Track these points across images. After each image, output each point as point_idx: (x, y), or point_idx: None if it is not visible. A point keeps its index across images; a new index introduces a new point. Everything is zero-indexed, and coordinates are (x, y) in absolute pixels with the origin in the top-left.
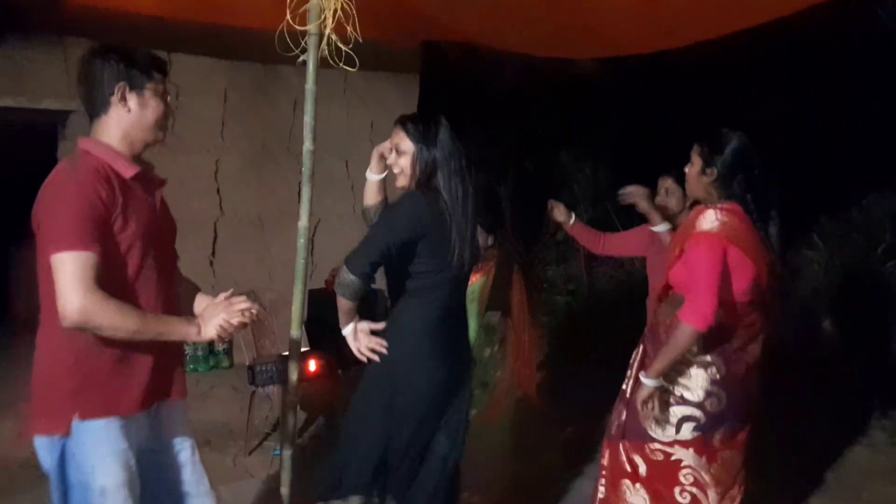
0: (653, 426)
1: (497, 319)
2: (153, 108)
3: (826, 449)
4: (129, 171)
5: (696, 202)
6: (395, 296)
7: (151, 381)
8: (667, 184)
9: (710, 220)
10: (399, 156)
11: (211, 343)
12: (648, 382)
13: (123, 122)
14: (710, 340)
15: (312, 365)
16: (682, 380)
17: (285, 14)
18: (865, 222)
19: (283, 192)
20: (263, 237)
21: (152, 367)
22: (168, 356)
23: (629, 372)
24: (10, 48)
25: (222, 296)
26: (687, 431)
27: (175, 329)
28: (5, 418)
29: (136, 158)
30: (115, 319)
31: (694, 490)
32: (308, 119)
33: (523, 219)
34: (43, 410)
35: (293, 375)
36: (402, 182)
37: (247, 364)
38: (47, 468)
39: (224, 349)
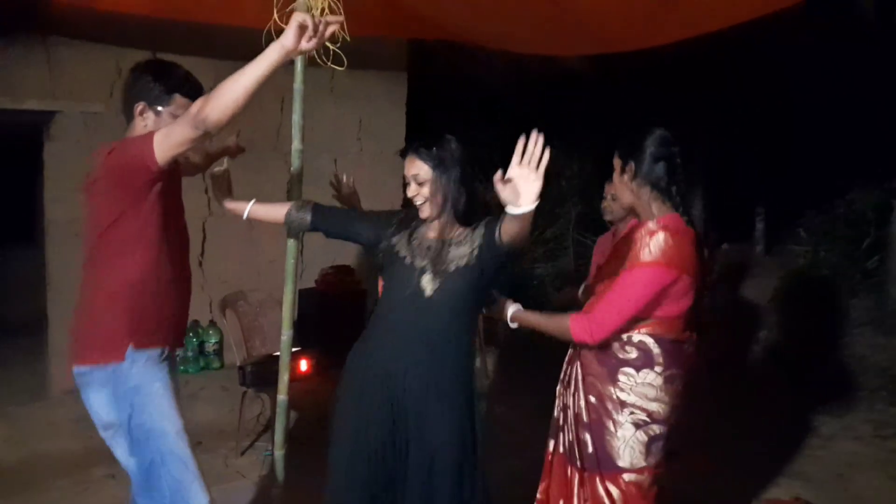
0: (621, 453)
1: None
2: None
3: (811, 443)
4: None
5: (633, 212)
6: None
7: (179, 322)
8: (613, 189)
9: (657, 244)
10: (420, 185)
11: (201, 344)
12: (511, 322)
13: (142, 133)
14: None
15: (304, 365)
16: (638, 399)
17: (272, 12)
18: (851, 216)
19: (272, 191)
20: (252, 237)
21: (179, 308)
22: (186, 302)
23: (572, 390)
24: None
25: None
26: (656, 452)
27: (265, 58)
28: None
29: None
30: (223, 98)
31: None
32: (297, 118)
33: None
34: (98, 342)
35: (284, 375)
36: (427, 212)
37: (237, 365)
38: (95, 406)
39: (214, 350)
